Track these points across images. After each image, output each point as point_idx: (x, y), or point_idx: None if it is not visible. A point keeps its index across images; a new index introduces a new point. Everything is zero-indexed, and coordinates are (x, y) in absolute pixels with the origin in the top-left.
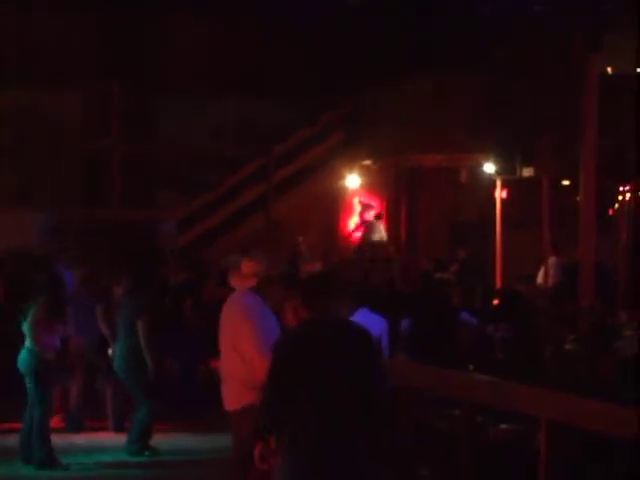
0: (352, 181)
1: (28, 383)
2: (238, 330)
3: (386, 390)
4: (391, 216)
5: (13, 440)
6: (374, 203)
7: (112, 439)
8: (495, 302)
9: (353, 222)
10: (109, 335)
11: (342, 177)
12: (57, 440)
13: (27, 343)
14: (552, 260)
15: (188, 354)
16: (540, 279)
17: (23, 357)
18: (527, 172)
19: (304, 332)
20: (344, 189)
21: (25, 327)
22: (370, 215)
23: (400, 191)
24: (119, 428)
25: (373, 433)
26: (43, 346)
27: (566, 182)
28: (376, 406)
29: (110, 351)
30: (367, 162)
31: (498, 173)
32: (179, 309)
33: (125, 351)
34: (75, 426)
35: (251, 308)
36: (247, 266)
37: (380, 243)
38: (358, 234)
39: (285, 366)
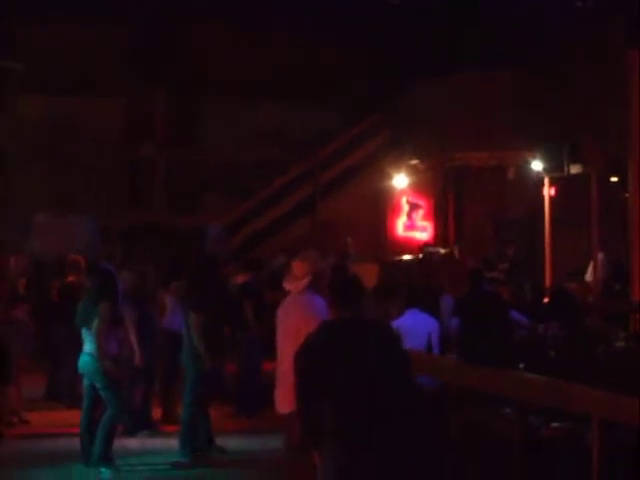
0: (399, 181)
1: (88, 386)
2: (302, 330)
3: (415, 392)
4: (438, 215)
5: (65, 443)
6: (422, 202)
7: (163, 442)
8: (545, 300)
9: (401, 222)
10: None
11: (389, 177)
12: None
13: (87, 347)
14: (600, 257)
15: (249, 356)
16: (589, 276)
17: (85, 361)
18: (575, 169)
19: (331, 333)
20: (391, 189)
21: (83, 331)
22: (418, 214)
23: (447, 190)
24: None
25: (404, 433)
26: (106, 350)
27: (614, 178)
28: (405, 408)
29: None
30: (414, 161)
31: (546, 171)
32: (239, 311)
33: (185, 350)
34: (133, 429)
35: (314, 307)
36: (298, 267)
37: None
38: (408, 234)
39: (313, 369)
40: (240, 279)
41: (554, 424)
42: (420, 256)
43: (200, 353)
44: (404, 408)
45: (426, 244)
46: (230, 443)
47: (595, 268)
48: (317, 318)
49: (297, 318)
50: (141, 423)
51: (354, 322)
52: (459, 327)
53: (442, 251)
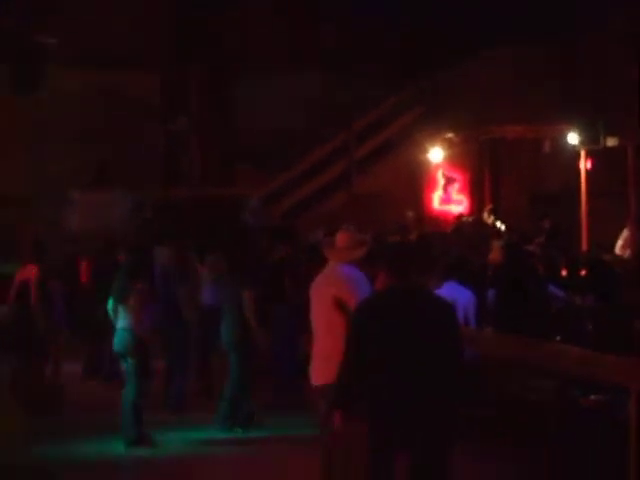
0: (435, 154)
1: (125, 362)
2: (343, 299)
3: (463, 362)
4: (474, 189)
5: (104, 417)
6: (457, 176)
7: (203, 416)
8: (582, 273)
9: (437, 196)
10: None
11: (425, 151)
12: (149, 417)
13: (122, 323)
14: (625, 234)
15: (289, 330)
16: (618, 249)
17: (120, 337)
18: (611, 142)
19: (383, 300)
20: (427, 163)
21: (118, 307)
22: (454, 188)
23: (483, 163)
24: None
25: (450, 403)
26: (141, 326)
27: None
28: (453, 377)
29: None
30: (449, 135)
31: (582, 143)
32: (279, 284)
33: (232, 326)
34: (174, 405)
35: (354, 279)
36: (343, 238)
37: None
38: (444, 208)
39: (363, 334)
40: (277, 253)
41: (592, 396)
42: (455, 227)
43: (253, 329)
44: (451, 376)
45: (461, 215)
46: (269, 418)
47: (625, 242)
48: (360, 288)
49: (338, 288)
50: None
51: (404, 290)
52: (496, 299)
53: (471, 219)
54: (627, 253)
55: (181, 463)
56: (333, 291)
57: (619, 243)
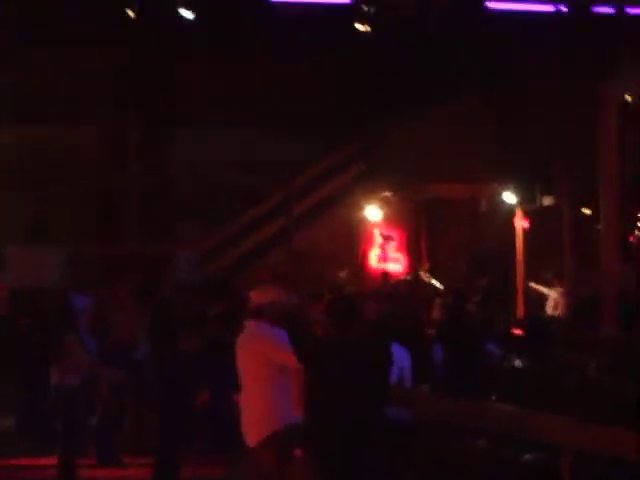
0: (372, 213)
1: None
2: (270, 355)
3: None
4: (412, 247)
5: None
6: (394, 234)
7: None
8: (517, 332)
9: (374, 254)
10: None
11: (362, 208)
12: None
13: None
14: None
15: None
16: (549, 310)
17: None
18: (547, 201)
19: (331, 348)
20: (365, 220)
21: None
22: (391, 246)
23: (420, 222)
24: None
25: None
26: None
27: (587, 211)
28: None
29: None
30: (386, 193)
31: (518, 203)
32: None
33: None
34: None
35: (276, 334)
36: (255, 296)
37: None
38: (381, 266)
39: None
40: (213, 310)
41: (527, 455)
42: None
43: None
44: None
45: (385, 273)
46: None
47: (556, 303)
48: (282, 344)
49: (263, 344)
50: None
51: (349, 340)
52: (443, 354)
53: (407, 278)
54: (557, 314)
55: None
56: (259, 346)
57: (549, 304)
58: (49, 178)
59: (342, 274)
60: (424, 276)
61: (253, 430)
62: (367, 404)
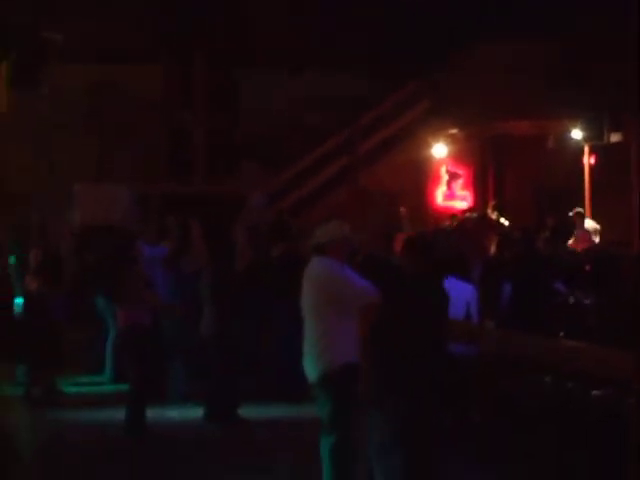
0: (439, 150)
1: None
2: (325, 292)
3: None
4: (478, 185)
5: None
6: (461, 172)
7: None
8: (586, 268)
9: (441, 191)
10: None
11: (428, 146)
12: None
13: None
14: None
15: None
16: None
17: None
18: (615, 137)
19: (404, 288)
20: (431, 158)
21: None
22: (458, 184)
23: (487, 159)
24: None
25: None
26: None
27: None
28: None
29: None
30: (453, 131)
31: (586, 139)
32: (281, 282)
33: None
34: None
35: (338, 268)
36: (318, 232)
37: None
38: (447, 204)
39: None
40: (276, 251)
41: (594, 392)
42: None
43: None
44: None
45: (454, 215)
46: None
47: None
48: (346, 278)
49: (324, 280)
50: None
51: (424, 278)
52: (512, 292)
53: (474, 215)
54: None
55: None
56: (323, 283)
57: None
58: (116, 118)
59: (402, 210)
60: (491, 213)
61: (314, 365)
62: (436, 340)
